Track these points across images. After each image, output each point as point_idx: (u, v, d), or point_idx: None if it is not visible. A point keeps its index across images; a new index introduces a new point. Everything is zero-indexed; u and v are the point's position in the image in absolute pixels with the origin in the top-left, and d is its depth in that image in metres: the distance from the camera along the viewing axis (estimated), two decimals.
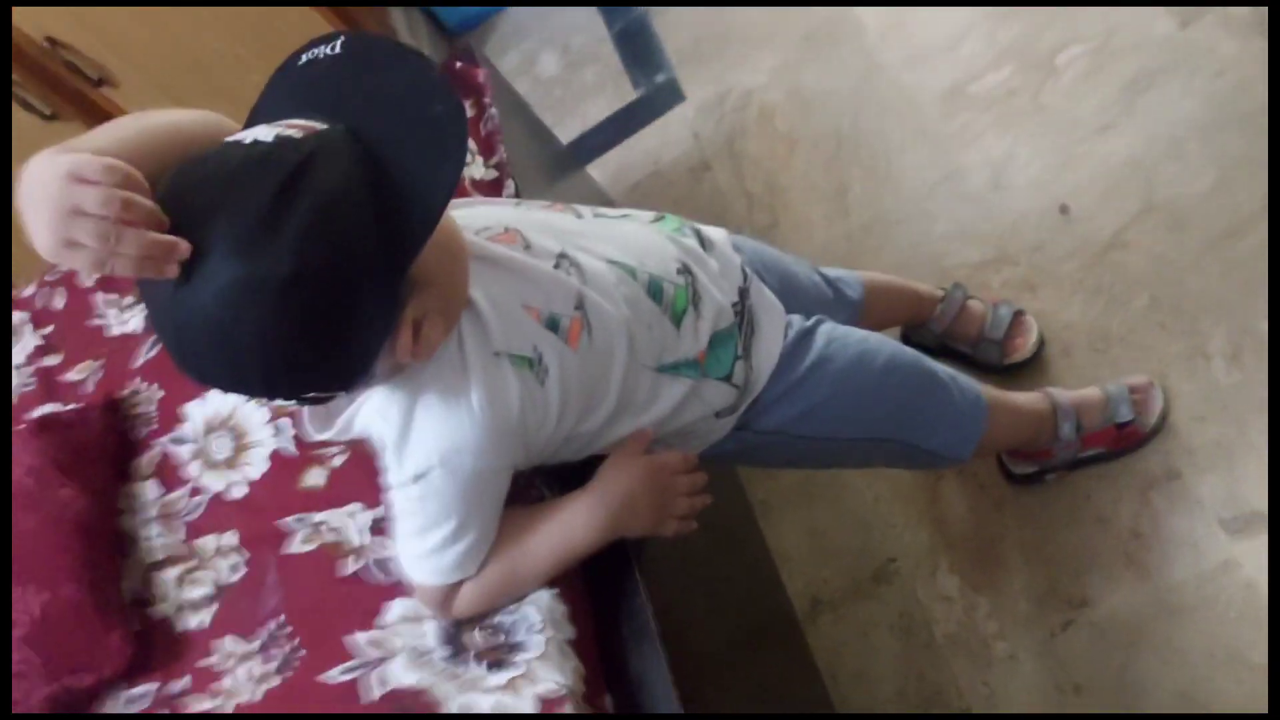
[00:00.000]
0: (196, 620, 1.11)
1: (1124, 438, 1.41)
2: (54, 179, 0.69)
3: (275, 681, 1.02)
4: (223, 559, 1.13)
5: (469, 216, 0.98)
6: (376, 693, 0.96)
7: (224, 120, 0.86)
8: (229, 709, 1.03)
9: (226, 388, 0.79)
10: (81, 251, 0.69)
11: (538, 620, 0.94)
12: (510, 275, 0.92)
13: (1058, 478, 1.45)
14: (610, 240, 1.03)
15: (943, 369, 1.24)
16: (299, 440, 1.16)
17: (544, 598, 0.96)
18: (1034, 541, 1.45)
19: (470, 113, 1.41)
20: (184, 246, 0.69)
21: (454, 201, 1.08)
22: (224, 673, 1.06)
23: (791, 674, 1.40)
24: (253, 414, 1.20)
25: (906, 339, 1.63)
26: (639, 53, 2.22)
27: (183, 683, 1.08)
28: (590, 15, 2.34)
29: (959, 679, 1.42)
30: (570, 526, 0.97)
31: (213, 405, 1.23)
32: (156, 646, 1.11)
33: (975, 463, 1.47)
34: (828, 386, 1.13)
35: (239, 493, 1.17)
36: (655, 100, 2.13)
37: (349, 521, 1.08)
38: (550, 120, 2.17)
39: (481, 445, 0.87)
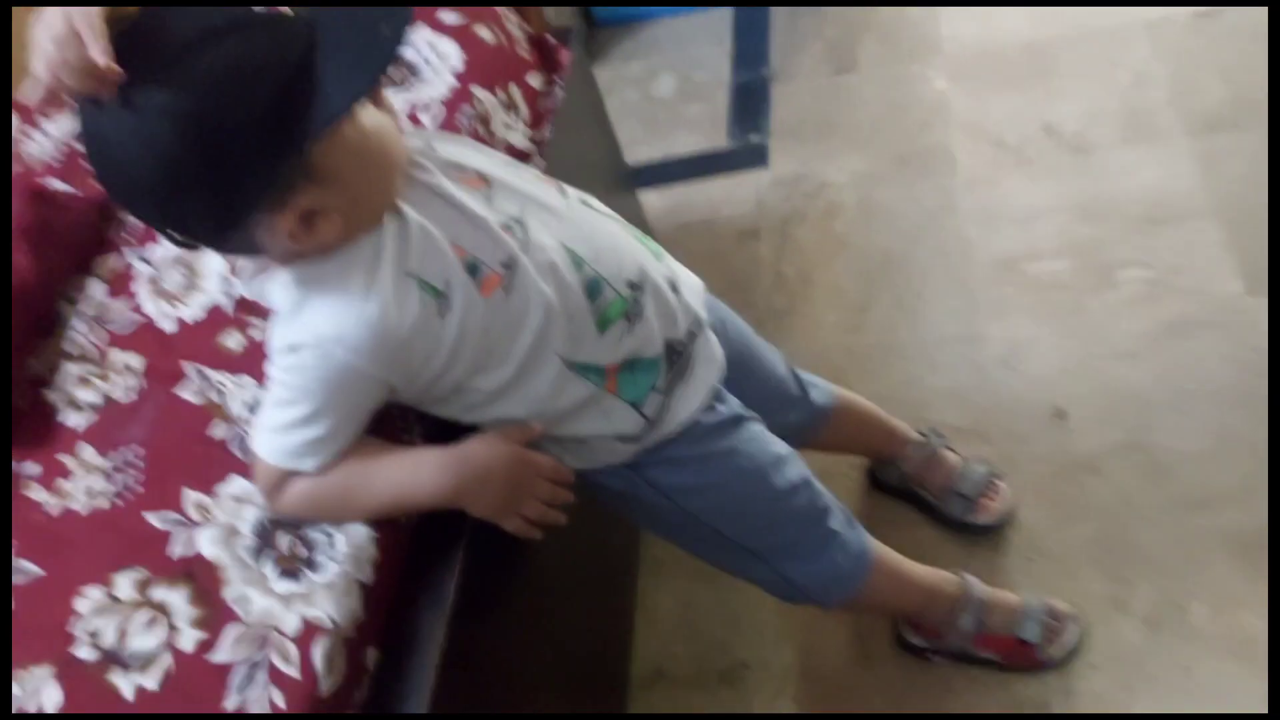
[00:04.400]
0: (74, 420, 1.14)
1: (1019, 654, 1.37)
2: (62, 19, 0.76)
3: (104, 504, 1.04)
4: (121, 377, 1.16)
5: (452, 152, 1.01)
6: (178, 552, 0.97)
7: None
8: (56, 511, 1.06)
9: (112, 198, 0.84)
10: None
11: (343, 552, 0.95)
12: (453, 213, 0.94)
13: (942, 662, 1.41)
14: (576, 227, 1.02)
15: (841, 513, 1.22)
16: (239, 302, 1.18)
17: (362, 534, 0.96)
18: (882, 709, 1.41)
19: (539, 85, 1.44)
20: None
21: (450, 135, 1.11)
22: (70, 475, 1.09)
23: None
24: (213, 261, 1.23)
25: (873, 474, 1.61)
26: (748, 109, 2.25)
27: (34, 468, 1.10)
28: (721, 58, 2.38)
29: None
30: (417, 473, 0.97)
31: None
32: (27, 428, 1.14)
33: None
34: (726, 474, 1.13)
35: (168, 326, 1.20)
36: (740, 157, 2.15)
37: (237, 391, 1.10)
38: (640, 135, 2.21)
39: (360, 343, 0.89)
